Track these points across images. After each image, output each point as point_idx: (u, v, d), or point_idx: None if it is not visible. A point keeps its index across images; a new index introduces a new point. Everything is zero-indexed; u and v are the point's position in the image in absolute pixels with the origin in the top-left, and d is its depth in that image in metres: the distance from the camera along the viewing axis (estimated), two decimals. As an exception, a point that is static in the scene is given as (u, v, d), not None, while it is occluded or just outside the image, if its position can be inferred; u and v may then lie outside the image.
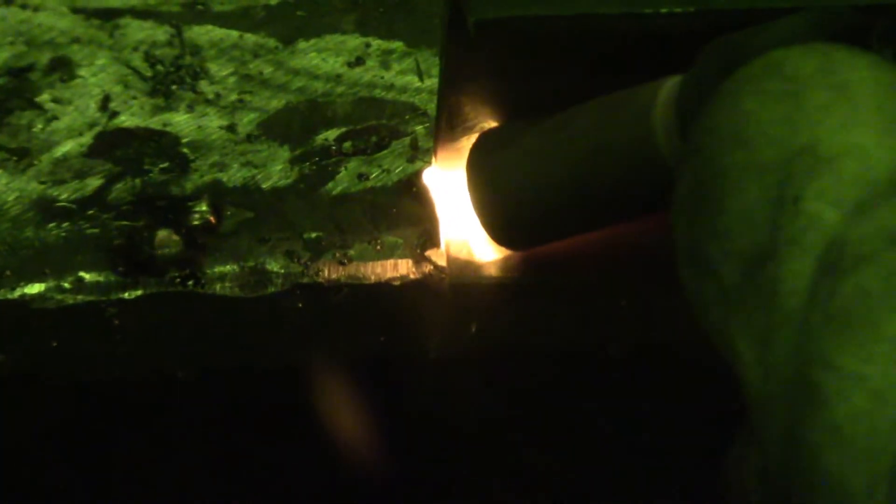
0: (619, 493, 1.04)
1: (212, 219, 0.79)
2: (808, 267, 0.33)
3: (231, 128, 0.77)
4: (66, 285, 0.77)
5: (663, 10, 0.51)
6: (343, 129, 0.77)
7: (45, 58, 0.73)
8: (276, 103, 0.75)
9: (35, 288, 0.77)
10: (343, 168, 0.78)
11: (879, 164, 0.33)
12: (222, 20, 0.72)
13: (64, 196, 0.77)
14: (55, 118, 0.75)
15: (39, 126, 0.75)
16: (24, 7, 0.70)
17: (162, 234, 0.78)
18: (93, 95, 0.75)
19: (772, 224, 0.34)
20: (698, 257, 0.38)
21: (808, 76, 0.34)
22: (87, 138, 0.76)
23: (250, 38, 0.73)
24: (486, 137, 0.69)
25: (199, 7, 0.72)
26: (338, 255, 0.79)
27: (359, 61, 0.73)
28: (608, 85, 0.55)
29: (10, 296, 0.77)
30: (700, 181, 0.38)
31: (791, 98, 0.34)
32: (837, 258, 0.32)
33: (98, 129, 0.76)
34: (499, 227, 0.66)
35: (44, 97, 0.74)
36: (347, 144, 0.77)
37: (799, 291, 0.34)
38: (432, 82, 0.70)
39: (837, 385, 0.34)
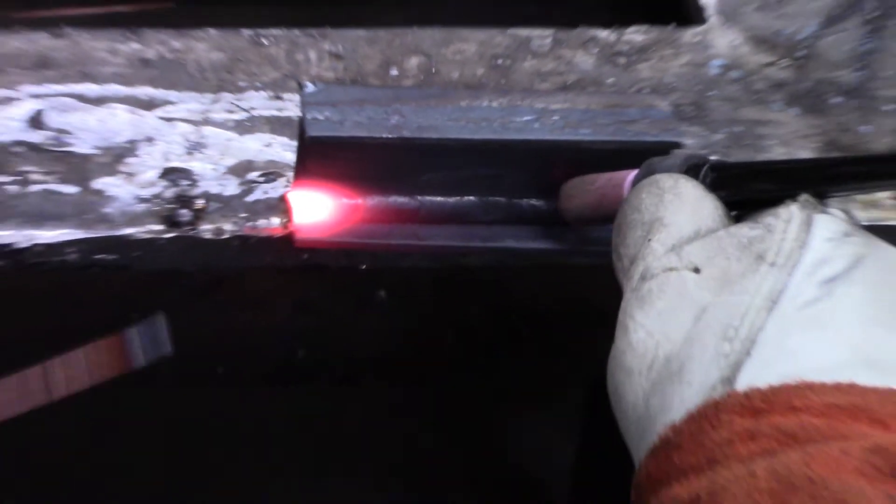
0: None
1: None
2: (637, 273, 0.59)
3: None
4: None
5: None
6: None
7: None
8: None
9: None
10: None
11: (686, 228, 0.58)
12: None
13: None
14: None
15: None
16: None
17: None
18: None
19: (639, 248, 0.60)
20: (617, 254, 0.62)
21: (667, 188, 0.61)
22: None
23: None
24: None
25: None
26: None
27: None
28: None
29: None
30: (620, 223, 0.63)
31: (658, 196, 0.61)
32: (647, 269, 0.58)
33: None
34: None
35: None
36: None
37: (633, 288, 0.58)
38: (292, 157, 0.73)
39: (631, 327, 0.55)
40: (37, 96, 0.60)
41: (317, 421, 0.98)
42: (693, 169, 0.61)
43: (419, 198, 0.57)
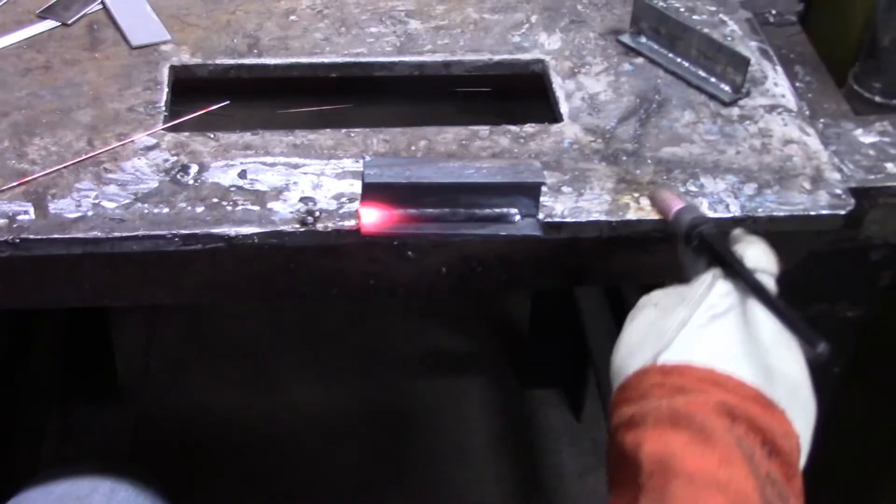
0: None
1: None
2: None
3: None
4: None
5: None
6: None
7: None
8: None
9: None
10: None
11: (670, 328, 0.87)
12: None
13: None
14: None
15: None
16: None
17: None
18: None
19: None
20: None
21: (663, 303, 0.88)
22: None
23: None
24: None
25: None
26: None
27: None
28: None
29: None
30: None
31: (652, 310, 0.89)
32: (637, 304, 0.91)
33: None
34: None
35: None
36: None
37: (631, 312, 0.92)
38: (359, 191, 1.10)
39: (622, 332, 0.89)
40: (243, 163, 1.09)
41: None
42: (691, 229, 0.96)
43: (424, 210, 1.02)
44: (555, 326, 2.13)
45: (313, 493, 2.02)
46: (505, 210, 1.04)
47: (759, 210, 1.07)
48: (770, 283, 0.91)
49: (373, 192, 1.02)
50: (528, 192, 1.03)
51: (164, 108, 1.14)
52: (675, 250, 1.11)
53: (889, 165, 1.14)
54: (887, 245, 1.14)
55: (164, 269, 1.08)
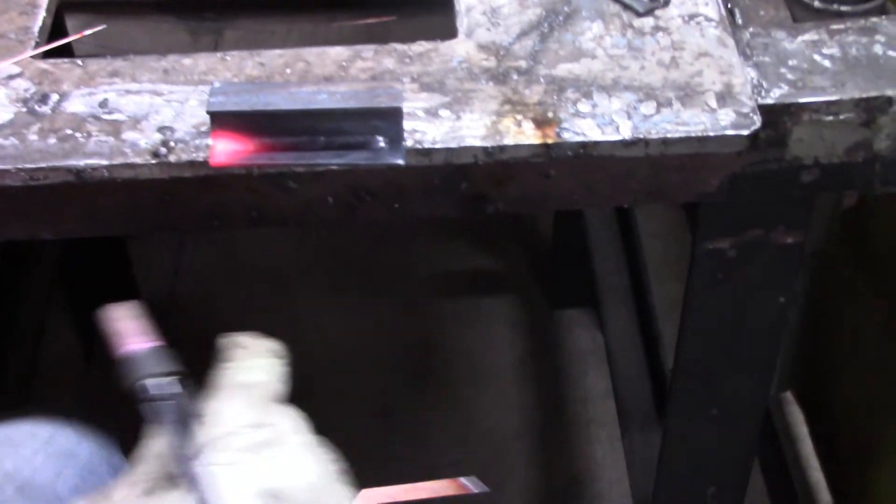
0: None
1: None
2: None
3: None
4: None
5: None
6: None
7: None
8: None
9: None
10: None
11: None
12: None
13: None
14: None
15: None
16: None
17: None
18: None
19: None
20: None
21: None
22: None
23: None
24: None
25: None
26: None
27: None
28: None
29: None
30: None
31: None
32: None
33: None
34: None
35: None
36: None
37: None
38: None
39: None
40: (106, 91, 1.04)
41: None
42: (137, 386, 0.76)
43: (280, 139, 0.96)
44: (578, 244, 2.05)
45: (333, 418, 1.98)
46: (367, 137, 0.97)
47: (653, 132, 0.98)
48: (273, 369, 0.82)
49: (221, 121, 0.96)
50: (388, 117, 0.95)
51: (36, 35, 1.08)
52: (579, 174, 1.04)
53: (816, 78, 1.02)
54: (818, 165, 1.04)
55: (36, 202, 1.03)
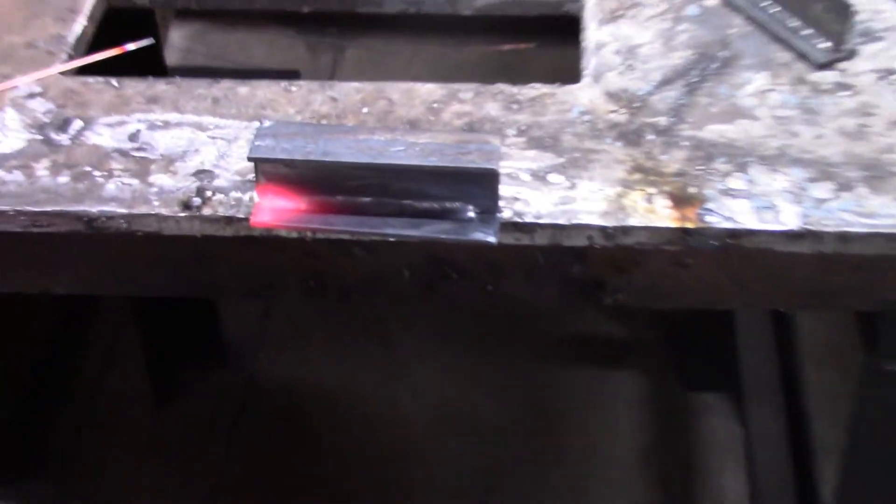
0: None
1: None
2: None
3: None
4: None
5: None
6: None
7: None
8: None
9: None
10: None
11: None
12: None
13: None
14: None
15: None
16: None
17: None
18: None
19: None
20: None
21: None
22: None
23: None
24: None
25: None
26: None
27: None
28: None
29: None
30: None
31: None
32: None
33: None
34: None
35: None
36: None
37: None
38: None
39: None
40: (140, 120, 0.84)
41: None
42: None
43: (338, 198, 0.77)
44: (721, 317, 1.80)
45: (417, 489, 1.79)
46: (453, 204, 0.75)
47: (827, 222, 0.74)
48: None
49: (267, 171, 0.76)
50: (480, 181, 0.74)
51: (71, 46, 0.89)
52: (725, 267, 0.82)
53: None
54: None
55: (47, 249, 0.84)
